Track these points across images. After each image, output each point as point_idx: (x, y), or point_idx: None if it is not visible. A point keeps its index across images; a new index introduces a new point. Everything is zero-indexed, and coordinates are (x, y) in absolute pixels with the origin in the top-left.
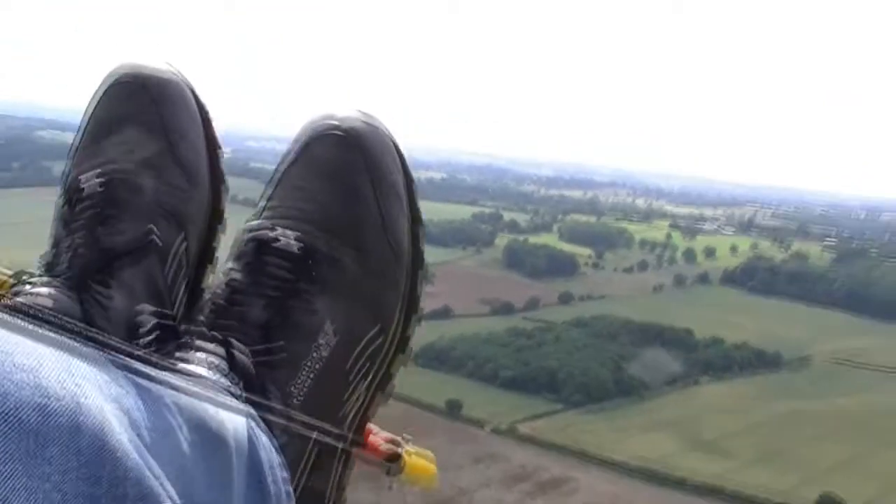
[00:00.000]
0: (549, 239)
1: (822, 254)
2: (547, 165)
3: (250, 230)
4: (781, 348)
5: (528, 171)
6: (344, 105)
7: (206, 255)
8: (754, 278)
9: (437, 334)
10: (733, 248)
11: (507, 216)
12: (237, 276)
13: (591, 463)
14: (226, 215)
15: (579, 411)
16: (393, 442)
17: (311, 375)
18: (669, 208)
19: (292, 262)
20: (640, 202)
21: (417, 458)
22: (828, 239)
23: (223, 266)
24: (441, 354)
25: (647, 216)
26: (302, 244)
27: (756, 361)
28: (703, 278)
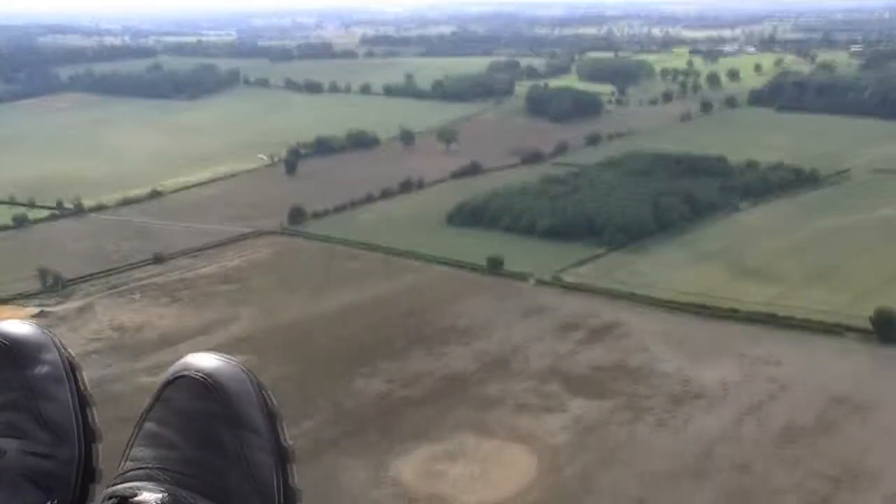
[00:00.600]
0: (570, 80)
1: (849, 61)
2: (557, 5)
3: (111, 493)
4: (818, 164)
5: (539, 13)
6: (201, 352)
7: None
8: (782, 95)
9: (468, 192)
10: (757, 67)
11: (523, 62)
12: None
13: (640, 303)
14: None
15: (622, 252)
16: None
17: None
18: (687, 34)
19: None
20: (657, 31)
21: None
22: (854, 45)
23: None
24: (476, 212)
25: (666, 45)
26: (164, 500)
27: (794, 181)
28: (731, 101)
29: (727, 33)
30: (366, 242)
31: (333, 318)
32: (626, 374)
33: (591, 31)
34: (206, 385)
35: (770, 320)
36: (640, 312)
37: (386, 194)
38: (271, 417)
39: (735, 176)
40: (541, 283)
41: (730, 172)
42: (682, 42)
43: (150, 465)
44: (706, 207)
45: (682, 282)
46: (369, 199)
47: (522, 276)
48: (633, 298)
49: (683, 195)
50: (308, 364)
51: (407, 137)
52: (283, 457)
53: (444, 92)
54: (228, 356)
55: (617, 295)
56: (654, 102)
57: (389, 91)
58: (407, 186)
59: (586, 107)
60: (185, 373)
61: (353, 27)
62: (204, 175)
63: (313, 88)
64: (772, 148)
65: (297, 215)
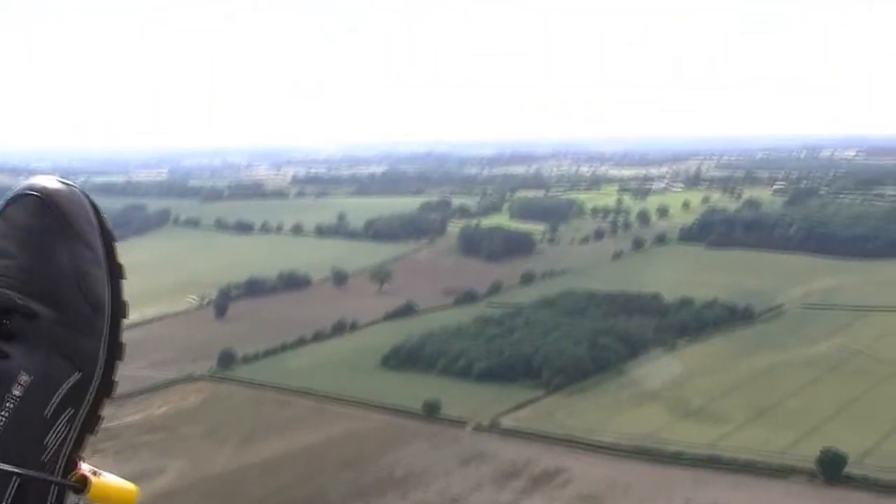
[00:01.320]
0: (501, 219)
1: (773, 198)
2: (487, 145)
3: None
4: (751, 301)
5: (469, 152)
6: (44, 174)
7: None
8: (711, 232)
9: (404, 334)
10: (686, 204)
11: (455, 201)
12: None
13: (581, 448)
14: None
15: (561, 394)
16: (93, 472)
17: (3, 421)
18: (615, 172)
19: None
20: (585, 170)
21: (109, 482)
22: (777, 183)
23: None
24: (411, 355)
25: (595, 183)
26: None
27: (729, 317)
28: (661, 238)
29: (654, 171)
30: (298, 388)
31: (265, 470)
32: None
33: (520, 170)
34: (44, 203)
35: (715, 463)
36: (582, 458)
37: (318, 336)
38: (106, 237)
39: (670, 314)
40: (479, 428)
41: (665, 310)
42: (610, 180)
43: None
44: (643, 346)
45: (623, 424)
46: (301, 341)
47: (460, 422)
48: (574, 443)
49: (620, 334)
50: None
51: (339, 278)
52: (115, 273)
53: (377, 231)
54: (69, 180)
55: (558, 440)
56: (585, 240)
57: (321, 231)
58: (340, 328)
59: (519, 245)
60: (27, 191)
61: (285, 167)
62: (131, 318)
63: (244, 228)
64: (705, 285)
65: (227, 359)
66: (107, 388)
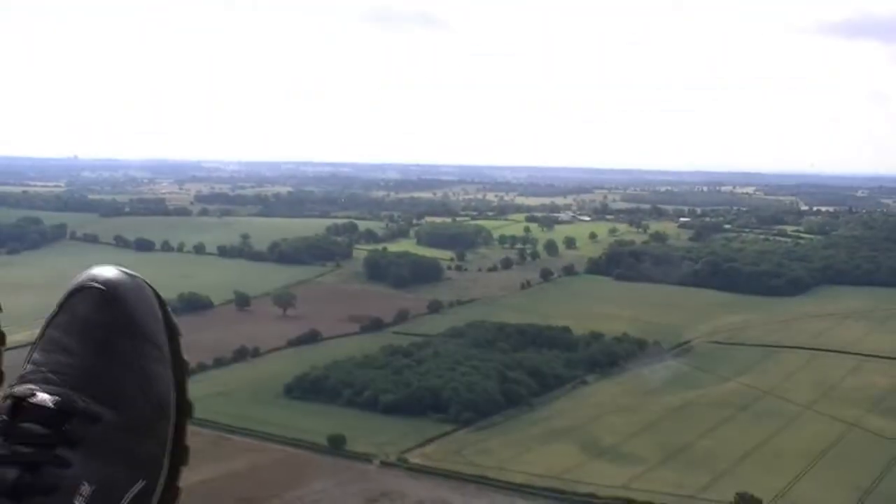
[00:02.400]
0: (408, 245)
1: (678, 232)
2: (392, 167)
3: (9, 393)
4: (659, 335)
5: (375, 175)
6: (105, 265)
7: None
8: (619, 265)
9: (308, 364)
10: (593, 235)
11: (361, 226)
12: None
13: (493, 487)
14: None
15: (470, 430)
16: None
17: None
18: (521, 200)
19: (47, 421)
20: (492, 197)
21: None
22: (682, 217)
23: None
24: (315, 385)
25: (502, 211)
26: (58, 402)
27: (638, 352)
28: (569, 270)
29: (560, 201)
30: (197, 418)
31: None
32: None
33: (426, 195)
34: (108, 296)
35: None
36: (493, 497)
37: (219, 363)
38: (171, 332)
39: (580, 348)
40: (385, 464)
41: (575, 344)
42: (517, 209)
43: (47, 369)
44: (553, 381)
45: (534, 463)
46: (201, 368)
47: (366, 457)
48: (484, 482)
49: (530, 368)
50: None
51: (242, 301)
52: (180, 371)
53: (282, 254)
54: (132, 271)
55: (468, 479)
56: (493, 269)
57: (224, 252)
58: (242, 354)
59: (426, 272)
60: (89, 283)
61: (188, 184)
62: (23, 337)
63: (144, 246)
64: (614, 318)
65: None
66: (171, 495)
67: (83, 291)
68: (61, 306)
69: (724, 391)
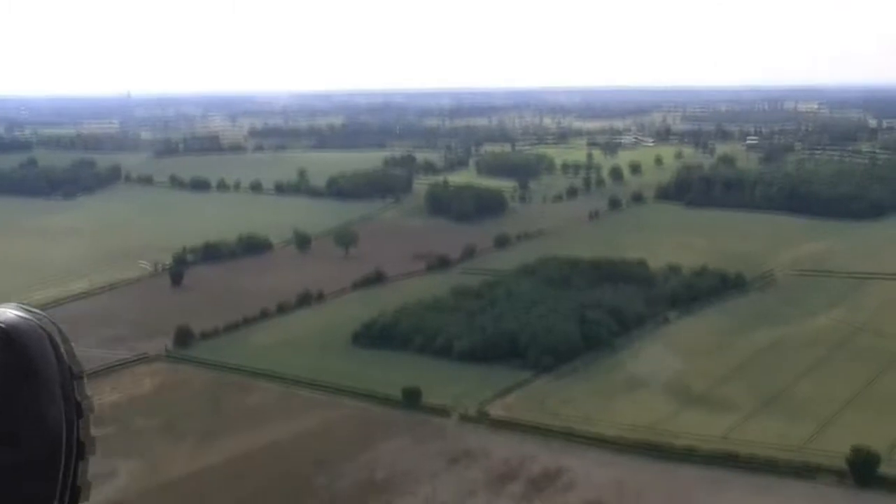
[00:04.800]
0: (469, 176)
1: (747, 154)
2: (444, 94)
3: None
4: (741, 267)
5: (427, 102)
6: (5, 304)
7: None
8: (689, 191)
9: (375, 308)
10: (658, 160)
11: (419, 157)
12: None
13: (582, 443)
14: None
15: (551, 377)
16: None
17: None
18: (579, 125)
19: None
20: (549, 122)
21: None
22: (749, 138)
23: None
24: (385, 332)
25: (562, 137)
26: None
27: (721, 287)
28: (638, 197)
29: (619, 124)
30: (262, 370)
31: (227, 473)
32: None
33: (482, 122)
34: (3, 338)
35: (731, 461)
36: (583, 455)
37: (283, 309)
38: (66, 374)
39: (659, 283)
40: (465, 418)
41: (652, 279)
42: (577, 133)
43: None
44: (634, 320)
45: (622, 413)
46: (264, 315)
47: (444, 411)
48: (572, 437)
49: (609, 308)
50: None
51: (302, 242)
52: (75, 412)
53: (340, 190)
54: (36, 310)
55: (554, 433)
56: (558, 199)
57: (281, 189)
58: (306, 299)
59: (490, 205)
60: None
61: (241, 118)
62: (78, 287)
63: (200, 186)
64: (690, 249)
65: (183, 336)
66: None
67: None
68: None
69: (815, 327)
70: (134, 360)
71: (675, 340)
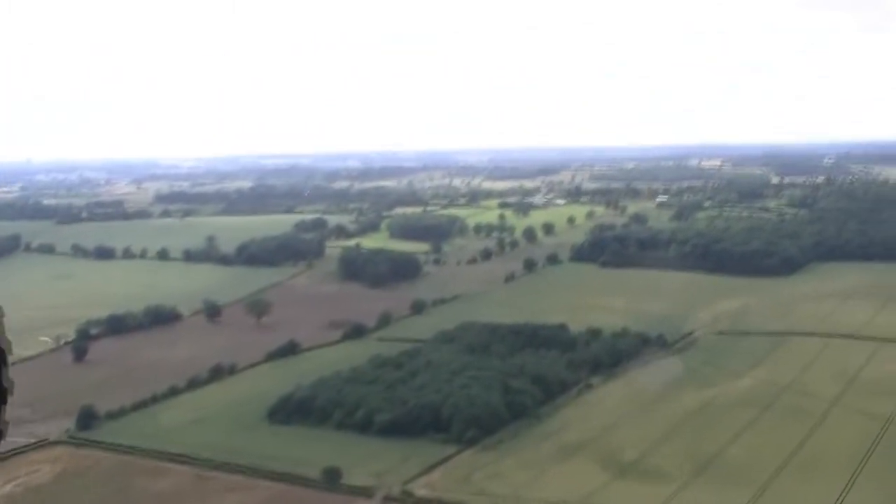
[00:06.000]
0: (381, 239)
1: (658, 212)
2: (352, 156)
3: None
4: (660, 328)
5: (335, 165)
6: None
7: None
8: (604, 251)
9: (291, 381)
10: (571, 220)
11: (330, 220)
12: None
13: None
14: None
15: (477, 450)
16: None
17: None
18: (489, 185)
19: None
20: (459, 183)
21: None
22: (659, 196)
23: None
24: (302, 406)
25: (473, 198)
26: None
27: (642, 348)
28: (553, 258)
29: (529, 184)
30: (173, 453)
31: None
32: None
33: (391, 184)
34: None
35: None
36: None
37: (193, 384)
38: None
39: (580, 347)
40: (389, 499)
41: (574, 343)
42: (487, 194)
43: None
44: (558, 387)
45: (553, 487)
46: (174, 391)
47: (367, 491)
48: None
49: (532, 375)
50: None
51: (212, 311)
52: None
53: (250, 256)
54: None
55: None
56: (473, 261)
57: (189, 256)
58: (217, 373)
59: (404, 269)
60: None
61: (146, 182)
62: None
63: (105, 255)
64: (608, 310)
65: (87, 417)
66: None
67: None
68: None
69: (741, 388)
70: (33, 446)
71: (599, 407)
